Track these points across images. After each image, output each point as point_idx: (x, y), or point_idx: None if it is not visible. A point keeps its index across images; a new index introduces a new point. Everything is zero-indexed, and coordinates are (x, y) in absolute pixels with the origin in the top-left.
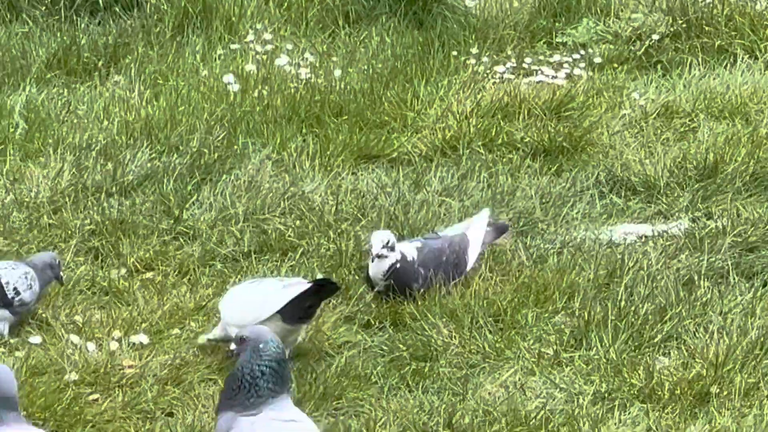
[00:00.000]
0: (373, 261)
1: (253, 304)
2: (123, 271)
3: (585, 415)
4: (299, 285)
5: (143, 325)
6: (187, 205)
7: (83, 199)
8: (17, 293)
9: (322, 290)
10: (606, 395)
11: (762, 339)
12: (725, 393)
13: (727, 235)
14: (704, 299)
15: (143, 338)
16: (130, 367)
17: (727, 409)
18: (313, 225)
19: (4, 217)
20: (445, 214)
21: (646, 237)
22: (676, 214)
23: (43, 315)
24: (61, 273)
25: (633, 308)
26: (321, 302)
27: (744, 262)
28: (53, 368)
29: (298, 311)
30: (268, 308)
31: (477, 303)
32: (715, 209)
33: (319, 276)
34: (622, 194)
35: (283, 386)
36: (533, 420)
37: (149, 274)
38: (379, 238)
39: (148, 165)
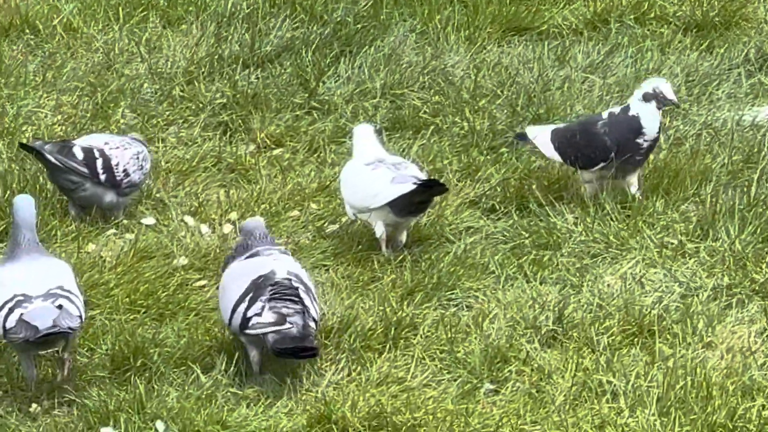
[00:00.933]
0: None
1: (365, 192)
2: (251, 147)
3: (700, 312)
4: (407, 183)
5: (262, 206)
6: (323, 78)
7: (218, 71)
8: (126, 175)
9: (429, 190)
10: (725, 290)
11: None
12: None
13: None
14: None
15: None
16: None
17: None
18: (449, 101)
19: (135, 89)
20: (586, 92)
21: None
22: None
23: (158, 195)
24: None
25: (763, 197)
26: (432, 199)
27: None
28: (162, 252)
29: (407, 206)
30: (378, 200)
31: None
32: None
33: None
34: None
35: None
36: (647, 316)
37: (278, 151)
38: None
39: (288, 35)
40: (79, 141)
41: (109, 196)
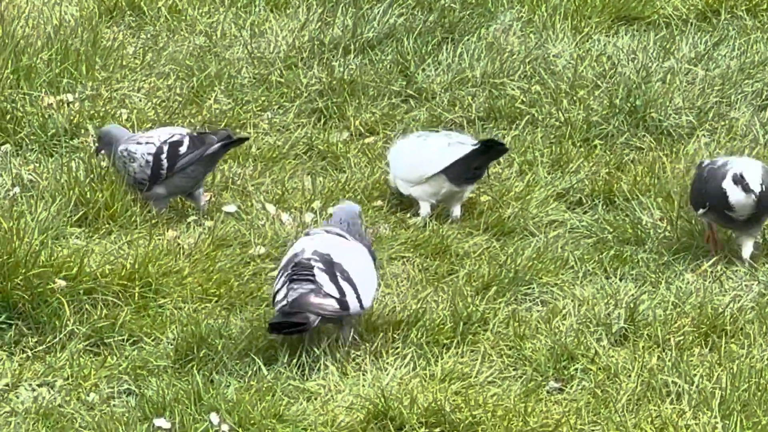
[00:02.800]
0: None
1: (418, 161)
2: (345, 134)
3: None
4: (465, 146)
5: (347, 195)
6: (423, 66)
7: (318, 56)
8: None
9: (489, 151)
10: None
11: None
12: None
13: None
14: None
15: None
16: None
17: None
18: (548, 91)
19: (232, 74)
20: (688, 84)
21: None
22: None
23: (239, 182)
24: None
25: None
26: (489, 163)
27: None
28: (240, 240)
29: (464, 172)
30: (433, 167)
31: None
32: None
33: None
34: None
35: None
36: (721, 315)
37: (370, 139)
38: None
39: (391, 21)
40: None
41: None
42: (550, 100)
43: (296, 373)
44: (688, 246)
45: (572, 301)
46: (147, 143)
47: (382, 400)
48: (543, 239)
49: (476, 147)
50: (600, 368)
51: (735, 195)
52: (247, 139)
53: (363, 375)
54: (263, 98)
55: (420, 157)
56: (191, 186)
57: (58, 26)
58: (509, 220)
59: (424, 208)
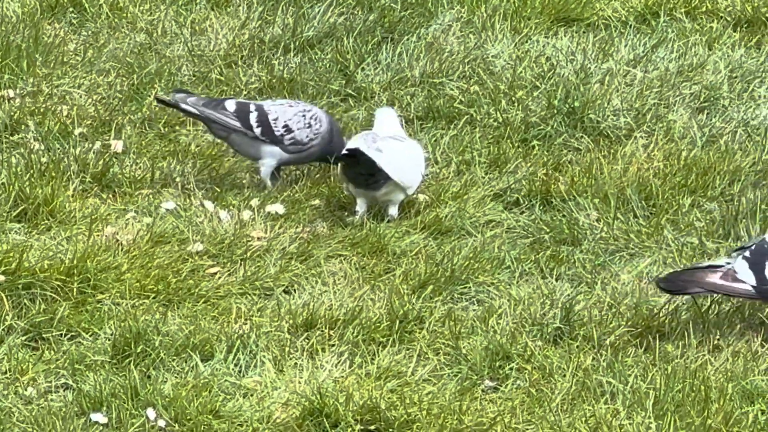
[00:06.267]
0: None
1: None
2: None
3: (712, 314)
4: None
5: (284, 193)
6: (363, 65)
7: (258, 54)
8: (288, 130)
9: (351, 162)
10: None
11: None
12: None
13: None
14: None
15: (279, 208)
16: (258, 239)
17: None
18: (486, 92)
19: (173, 72)
20: (627, 86)
21: None
22: None
23: (178, 179)
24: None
25: None
26: (374, 173)
27: None
28: (178, 237)
29: (357, 178)
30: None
31: (631, 184)
32: None
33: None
34: None
35: None
36: (657, 317)
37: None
38: None
39: (332, 20)
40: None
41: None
42: (488, 100)
43: (233, 369)
44: (624, 247)
45: (508, 300)
46: None
47: (318, 397)
48: (480, 239)
49: (336, 158)
50: (535, 368)
51: None
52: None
53: (299, 372)
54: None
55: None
56: None
57: None
58: (446, 219)
59: (360, 206)
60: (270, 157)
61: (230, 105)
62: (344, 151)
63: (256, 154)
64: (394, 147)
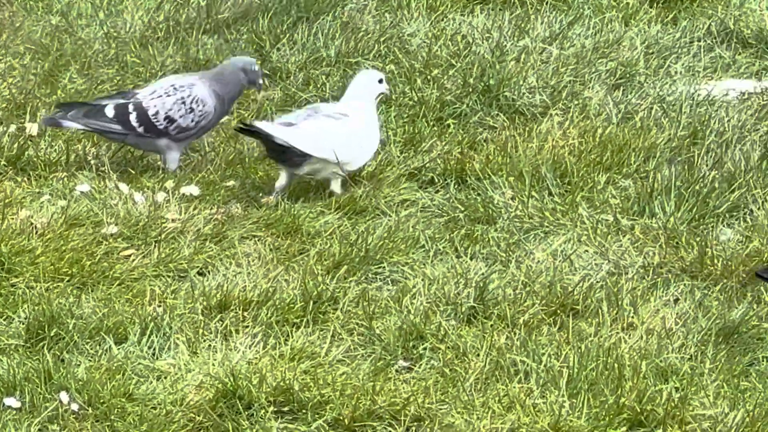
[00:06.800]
0: None
1: None
2: None
3: (626, 291)
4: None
5: (199, 174)
6: (278, 45)
7: (174, 36)
8: (171, 121)
9: (249, 135)
10: (655, 269)
11: None
12: None
13: None
14: None
15: (194, 189)
16: (173, 220)
17: None
18: (402, 71)
19: (89, 54)
20: (542, 63)
21: (747, 93)
22: None
23: (93, 162)
24: (261, 80)
25: (703, 175)
26: (285, 150)
27: None
28: (93, 220)
29: (271, 154)
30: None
31: (546, 162)
32: None
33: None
34: (732, 46)
35: None
36: (572, 295)
37: (224, 118)
38: None
39: (247, 1)
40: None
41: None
42: (404, 79)
43: (147, 352)
44: (538, 225)
45: (422, 280)
46: None
47: (231, 379)
48: (394, 218)
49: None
50: (449, 347)
51: None
52: None
53: (213, 354)
54: (118, 78)
55: None
56: None
57: None
58: (361, 199)
59: (279, 182)
60: (169, 150)
61: (109, 111)
62: (239, 125)
63: (154, 148)
64: (322, 124)
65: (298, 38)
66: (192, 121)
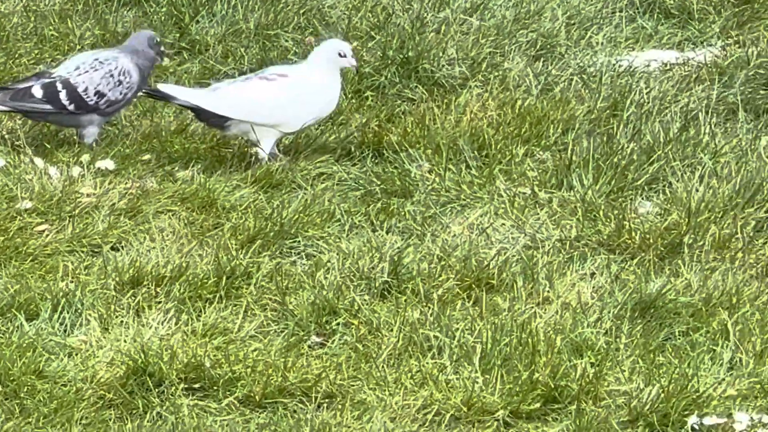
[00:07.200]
0: None
1: None
2: None
3: (542, 265)
4: None
5: (115, 149)
6: (198, 18)
7: (93, 9)
8: (101, 96)
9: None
10: (572, 242)
11: (747, 185)
12: (700, 243)
13: (750, 64)
14: (699, 139)
15: (109, 164)
16: (88, 195)
17: (696, 263)
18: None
19: (8, 27)
20: (463, 35)
21: (669, 64)
22: (707, 40)
23: (8, 137)
24: (162, 49)
25: (620, 147)
26: (199, 113)
27: (759, 97)
28: (7, 195)
29: (196, 119)
30: None
31: (464, 135)
32: (747, 36)
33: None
34: (654, 17)
35: None
36: (487, 269)
37: (141, 93)
38: None
39: None
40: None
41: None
42: None
43: (58, 329)
44: (455, 198)
45: (337, 254)
46: None
47: (142, 355)
48: (310, 192)
49: None
50: (362, 323)
51: None
52: None
53: (125, 330)
54: (36, 51)
55: None
56: None
57: None
58: (277, 172)
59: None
60: (91, 125)
61: (36, 90)
62: (145, 90)
63: (78, 124)
64: (247, 85)
65: (217, 10)
66: (120, 93)
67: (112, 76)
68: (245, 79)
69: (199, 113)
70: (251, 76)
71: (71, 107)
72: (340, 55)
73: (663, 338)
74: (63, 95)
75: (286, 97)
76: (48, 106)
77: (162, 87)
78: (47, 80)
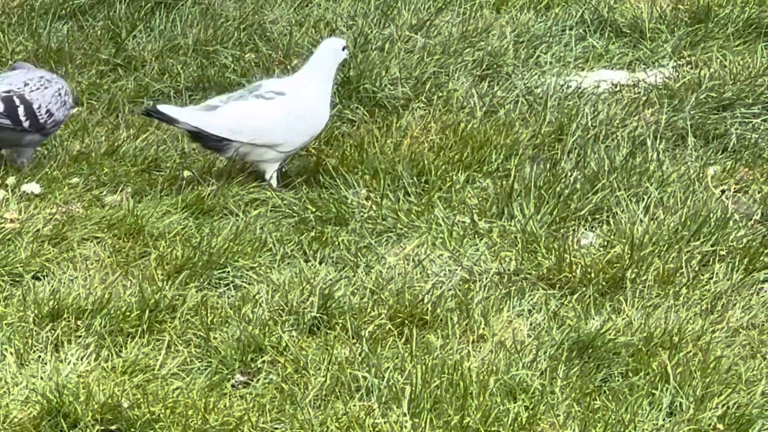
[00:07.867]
0: None
1: None
2: None
3: (479, 301)
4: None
5: (43, 171)
6: (135, 33)
7: (28, 22)
8: (50, 115)
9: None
10: (510, 276)
11: (693, 217)
12: (643, 278)
13: (702, 87)
14: (645, 167)
15: (35, 187)
16: (11, 221)
17: (639, 299)
18: (261, 60)
19: None
20: (407, 53)
21: (619, 85)
22: (659, 60)
23: None
24: None
25: (564, 174)
26: (198, 134)
27: (710, 122)
28: None
29: (192, 139)
30: None
31: (404, 159)
32: (700, 57)
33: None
34: (606, 36)
35: None
36: (421, 304)
37: (74, 111)
38: None
39: None
40: None
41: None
42: (262, 69)
43: None
44: (392, 227)
45: (267, 286)
46: None
47: (57, 395)
48: (242, 219)
49: None
50: (288, 361)
51: None
52: None
53: (42, 366)
54: None
55: None
56: None
57: None
58: (209, 198)
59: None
60: (30, 145)
61: None
62: (145, 109)
63: (20, 143)
64: (246, 105)
65: (155, 25)
66: (63, 114)
67: (59, 95)
68: (239, 97)
69: (197, 134)
70: (245, 93)
71: (26, 124)
72: (343, 48)
73: (601, 380)
74: (21, 111)
75: (286, 116)
76: (7, 121)
77: (162, 108)
78: (5, 94)
